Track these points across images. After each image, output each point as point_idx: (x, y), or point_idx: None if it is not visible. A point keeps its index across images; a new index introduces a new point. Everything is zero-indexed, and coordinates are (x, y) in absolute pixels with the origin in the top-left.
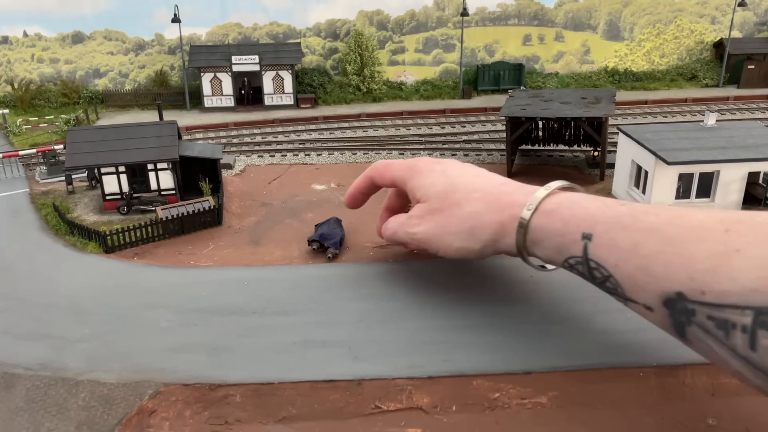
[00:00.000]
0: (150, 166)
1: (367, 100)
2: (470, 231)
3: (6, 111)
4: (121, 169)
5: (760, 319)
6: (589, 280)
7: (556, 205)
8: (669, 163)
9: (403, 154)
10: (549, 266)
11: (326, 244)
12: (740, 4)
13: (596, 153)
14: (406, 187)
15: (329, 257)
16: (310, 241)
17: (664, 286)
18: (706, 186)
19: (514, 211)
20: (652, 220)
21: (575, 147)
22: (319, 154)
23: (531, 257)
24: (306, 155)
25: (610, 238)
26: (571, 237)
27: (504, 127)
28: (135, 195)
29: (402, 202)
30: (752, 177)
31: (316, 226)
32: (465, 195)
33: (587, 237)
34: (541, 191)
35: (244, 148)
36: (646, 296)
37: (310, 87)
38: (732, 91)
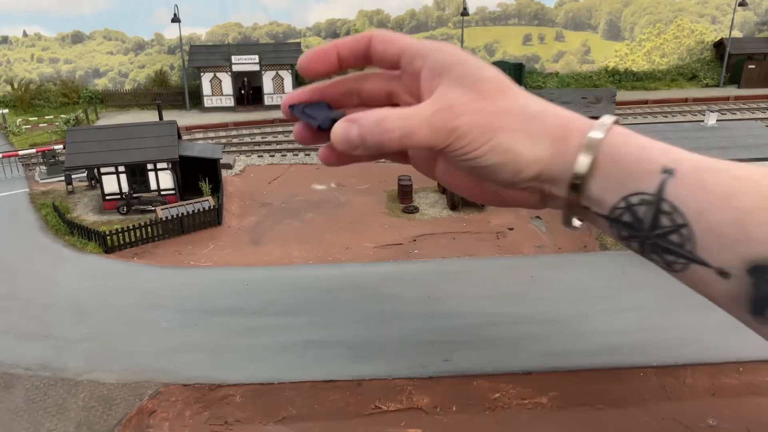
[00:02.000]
0: (150, 166)
1: None
2: (529, 133)
3: (6, 111)
4: (121, 169)
5: None
6: (639, 231)
7: (629, 133)
8: None
9: None
10: (576, 223)
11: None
12: (741, 4)
13: None
14: (426, 61)
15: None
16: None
17: (757, 249)
18: None
19: (582, 123)
20: (750, 172)
21: None
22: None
23: (572, 204)
24: (306, 155)
25: (699, 178)
26: (646, 167)
27: None
28: (135, 195)
29: (386, 87)
30: None
31: (295, 108)
32: (521, 91)
33: (669, 171)
34: (606, 116)
35: (244, 148)
36: (726, 258)
37: None
38: (732, 91)
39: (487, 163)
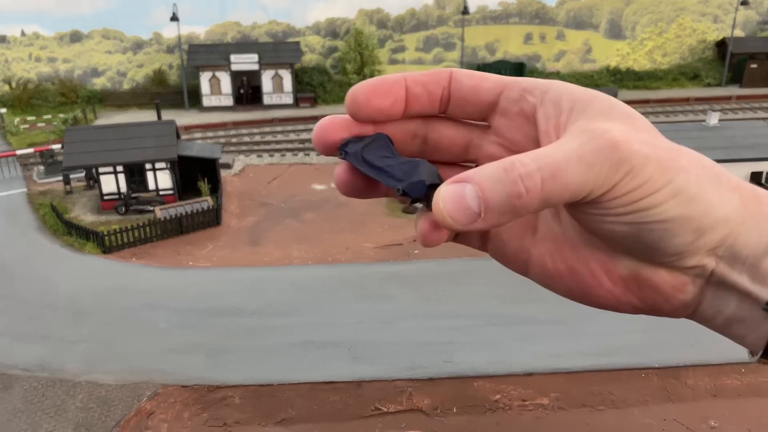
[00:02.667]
0: (148, 166)
1: None
2: (716, 178)
3: (4, 110)
4: (119, 168)
5: None
6: None
7: None
8: None
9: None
10: (753, 358)
11: (406, 190)
12: (743, 3)
13: None
14: (546, 95)
15: (418, 208)
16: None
17: None
18: None
19: (760, 193)
20: None
21: None
22: (318, 154)
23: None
24: (306, 155)
25: None
26: None
27: None
28: (133, 195)
29: (464, 136)
30: (755, 177)
31: (349, 150)
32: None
33: None
34: None
35: (243, 147)
36: None
37: (310, 86)
38: (734, 90)
39: (665, 216)
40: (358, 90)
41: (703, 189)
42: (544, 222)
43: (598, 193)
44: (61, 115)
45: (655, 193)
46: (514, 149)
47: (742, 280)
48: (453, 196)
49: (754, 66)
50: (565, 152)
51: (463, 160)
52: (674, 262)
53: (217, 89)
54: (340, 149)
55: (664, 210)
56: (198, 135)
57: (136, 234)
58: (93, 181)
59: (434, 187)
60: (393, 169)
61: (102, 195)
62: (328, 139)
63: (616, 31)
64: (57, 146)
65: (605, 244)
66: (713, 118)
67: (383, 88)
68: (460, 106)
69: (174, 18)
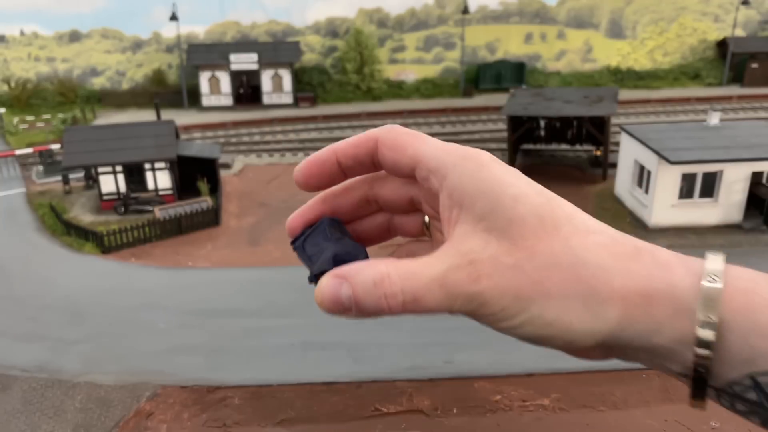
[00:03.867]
0: (147, 166)
1: (367, 98)
2: (585, 297)
3: (3, 110)
4: (119, 168)
5: None
6: (765, 409)
7: (752, 282)
8: (672, 163)
9: None
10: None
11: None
12: (743, 3)
13: (598, 152)
14: (444, 183)
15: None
16: (313, 277)
17: None
18: (710, 186)
19: (671, 277)
20: None
21: (577, 146)
22: None
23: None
24: (305, 155)
25: None
26: None
27: (505, 126)
28: (132, 195)
29: (407, 193)
30: (756, 177)
31: (296, 244)
32: (576, 230)
33: None
34: (712, 255)
35: (243, 147)
36: None
37: (310, 86)
38: (735, 90)
39: (524, 336)
40: (297, 172)
41: (565, 312)
42: None
43: (460, 312)
44: (60, 115)
45: (510, 320)
46: (436, 212)
47: (634, 355)
48: (330, 291)
49: (754, 66)
50: (430, 277)
51: (416, 211)
52: (592, 345)
53: (216, 89)
54: (292, 244)
55: (523, 332)
56: (197, 135)
57: (135, 234)
58: (92, 181)
59: (323, 275)
60: (314, 256)
61: (101, 195)
62: (291, 233)
63: (616, 31)
64: (56, 146)
65: None
66: (714, 118)
67: (316, 168)
68: (390, 172)
69: (173, 17)
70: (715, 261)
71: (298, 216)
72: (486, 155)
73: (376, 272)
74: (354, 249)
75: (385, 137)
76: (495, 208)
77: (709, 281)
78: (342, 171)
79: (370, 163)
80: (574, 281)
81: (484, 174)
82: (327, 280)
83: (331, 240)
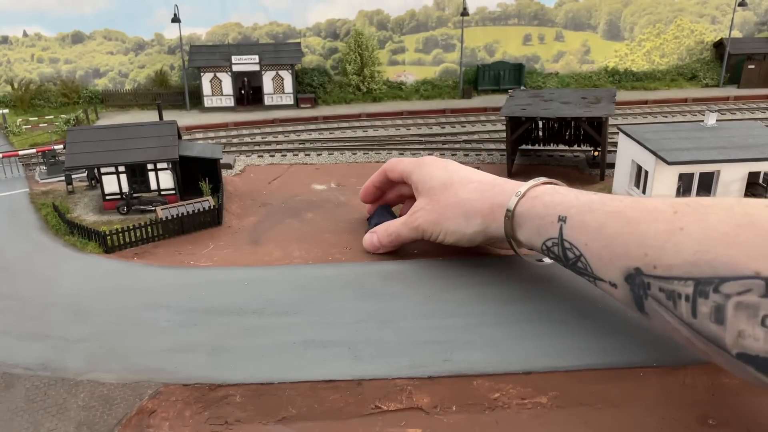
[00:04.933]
0: (150, 166)
1: (367, 99)
2: (465, 215)
3: (6, 111)
4: (121, 169)
5: (699, 289)
6: (562, 262)
7: (540, 193)
8: (669, 163)
9: (402, 153)
10: (546, 260)
11: None
12: (740, 4)
13: (596, 153)
14: (411, 179)
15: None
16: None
17: (625, 262)
18: (707, 186)
19: (502, 198)
20: (615, 205)
21: (575, 147)
22: (319, 154)
23: (523, 251)
24: (306, 155)
25: (581, 220)
26: (549, 219)
27: (504, 127)
28: (135, 195)
29: (408, 190)
30: (752, 177)
31: (369, 220)
32: (461, 184)
33: (562, 219)
34: (528, 183)
35: (244, 148)
36: (610, 273)
37: (310, 87)
38: (732, 91)
39: (448, 242)
40: (361, 194)
41: (457, 225)
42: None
43: (419, 239)
44: (63, 116)
45: (437, 236)
46: (413, 193)
47: (505, 244)
48: (368, 239)
49: (751, 67)
50: (401, 224)
51: (411, 195)
52: (468, 238)
53: (218, 90)
54: (368, 221)
55: (446, 240)
56: (199, 135)
57: (138, 234)
58: (95, 181)
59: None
60: (371, 224)
61: (104, 195)
62: (363, 198)
63: (614, 32)
64: (59, 146)
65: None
66: (711, 119)
67: (367, 192)
68: (394, 180)
69: (175, 19)
70: (527, 185)
71: (363, 190)
72: (430, 158)
73: (386, 227)
74: (388, 219)
75: (387, 166)
76: (424, 185)
77: (516, 195)
78: (376, 188)
79: (387, 180)
80: (458, 209)
81: (425, 170)
82: (367, 234)
83: (377, 216)
